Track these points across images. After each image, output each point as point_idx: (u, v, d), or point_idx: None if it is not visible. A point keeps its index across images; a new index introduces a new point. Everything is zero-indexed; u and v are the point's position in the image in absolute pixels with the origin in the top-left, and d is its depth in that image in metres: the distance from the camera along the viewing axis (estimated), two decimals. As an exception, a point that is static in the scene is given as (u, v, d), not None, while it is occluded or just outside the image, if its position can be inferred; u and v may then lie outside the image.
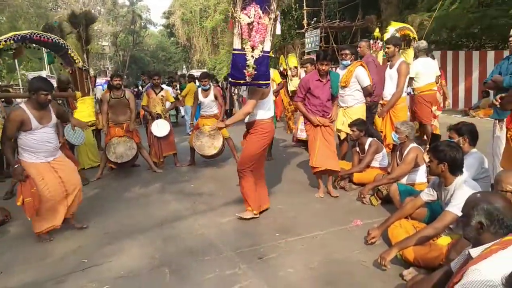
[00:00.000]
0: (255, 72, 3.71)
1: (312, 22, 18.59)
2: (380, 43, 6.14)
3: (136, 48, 45.72)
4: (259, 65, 3.73)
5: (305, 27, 17.73)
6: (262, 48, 3.74)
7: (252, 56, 3.69)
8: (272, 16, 3.74)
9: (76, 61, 4.96)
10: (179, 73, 36.53)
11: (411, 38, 9.06)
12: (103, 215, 4.69)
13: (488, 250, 1.81)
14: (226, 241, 3.74)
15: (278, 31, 4.10)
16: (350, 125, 5.14)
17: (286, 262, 3.24)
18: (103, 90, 10.16)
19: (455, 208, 2.82)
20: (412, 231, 3.19)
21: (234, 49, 3.72)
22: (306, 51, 17.79)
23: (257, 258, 3.35)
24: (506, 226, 1.81)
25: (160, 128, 6.90)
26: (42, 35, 4.85)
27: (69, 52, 4.87)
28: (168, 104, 7.43)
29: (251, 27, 3.66)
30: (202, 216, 4.49)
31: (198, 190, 5.54)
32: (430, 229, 2.94)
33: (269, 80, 4.00)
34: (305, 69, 6.55)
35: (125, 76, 42.14)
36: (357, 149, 5.22)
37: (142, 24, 46.63)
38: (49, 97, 3.87)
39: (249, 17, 3.65)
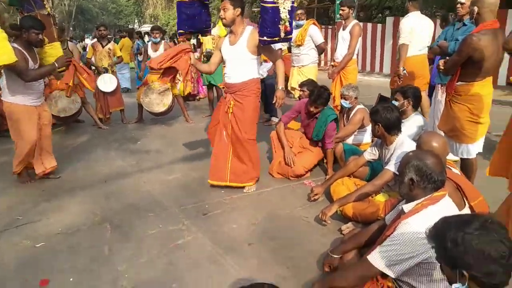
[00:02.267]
0: (289, 26, 3.39)
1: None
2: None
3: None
4: (290, 18, 3.39)
5: None
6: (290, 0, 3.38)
7: (284, 8, 3.31)
8: None
9: (46, 6, 4.55)
10: (130, 27, 34.73)
11: None
12: (41, 171, 4.46)
13: (419, 205, 1.89)
14: (171, 198, 3.69)
15: None
16: (301, 85, 5.14)
17: (230, 218, 3.26)
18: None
19: (394, 166, 2.92)
20: (354, 188, 3.30)
21: (267, 2, 3.27)
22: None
23: (202, 214, 3.34)
24: (434, 181, 1.87)
25: (107, 83, 6.57)
26: None
27: None
28: (115, 59, 7.09)
29: None
30: (147, 173, 4.40)
31: (145, 148, 5.40)
32: (370, 186, 3.04)
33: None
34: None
35: (71, 28, 39.62)
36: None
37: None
38: (40, 36, 3.85)
39: None
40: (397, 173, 2.88)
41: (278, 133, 4.30)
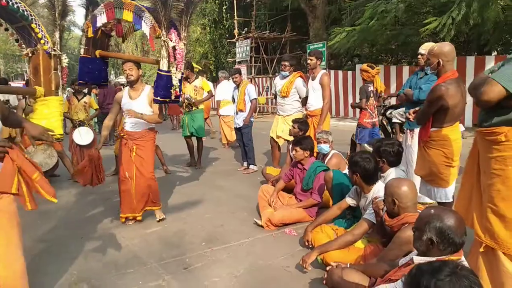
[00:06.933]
0: (178, 92, 4.08)
1: (243, 32, 18.88)
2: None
3: (59, 51, 43.06)
4: (179, 85, 4.11)
5: (236, 36, 17.95)
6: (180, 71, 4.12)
7: (176, 77, 3.99)
8: (185, 42, 4.08)
9: (42, 41, 3.33)
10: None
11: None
12: (15, 230, 4.33)
13: None
14: (150, 253, 3.64)
15: None
16: (294, 121, 5.23)
17: (211, 272, 3.23)
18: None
19: (371, 216, 3.00)
20: (333, 235, 3.35)
21: (162, 70, 3.91)
22: (237, 60, 18.03)
23: (182, 269, 3.30)
24: (455, 244, 1.85)
25: (83, 136, 6.56)
26: None
27: (33, 25, 3.22)
28: (92, 111, 7.17)
29: (174, 50, 3.91)
30: (125, 227, 4.33)
31: (123, 201, 5.33)
32: (349, 236, 3.09)
33: None
34: (234, 79, 6.64)
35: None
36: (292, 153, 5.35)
37: (66, 26, 44.15)
38: None
39: (172, 41, 3.86)
40: (374, 222, 2.98)
41: (276, 187, 4.50)
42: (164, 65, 3.89)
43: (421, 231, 1.90)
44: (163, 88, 3.99)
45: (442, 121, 3.37)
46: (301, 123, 5.16)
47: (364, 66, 6.08)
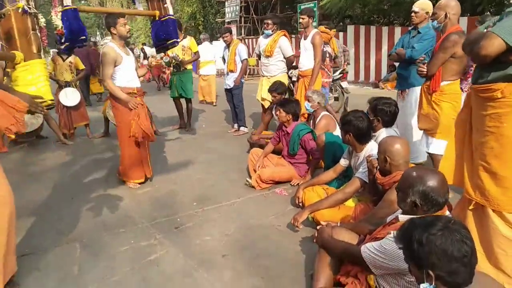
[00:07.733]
0: None
1: (233, -9, 18.28)
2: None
3: (40, 10, 41.48)
4: None
5: (225, -4, 17.40)
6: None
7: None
8: None
9: None
10: (92, 39, 34.09)
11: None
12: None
13: None
14: (142, 213, 3.64)
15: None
16: (271, 91, 5.20)
17: (202, 231, 3.25)
18: None
19: (364, 174, 3.01)
20: (324, 194, 3.36)
21: (172, 15, 4.36)
22: (226, 20, 17.58)
23: (174, 228, 3.31)
24: (439, 204, 1.86)
25: (69, 97, 6.41)
26: None
27: None
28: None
29: None
30: (117, 188, 4.30)
31: (113, 161, 5.28)
32: (340, 194, 3.11)
33: None
34: (225, 38, 6.45)
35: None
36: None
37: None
38: None
39: None
40: (366, 180, 2.99)
41: (264, 150, 4.46)
42: (171, 10, 4.36)
43: (404, 193, 1.91)
44: (174, 31, 4.39)
45: (452, 73, 3.49)
46: (277, 88, 5.14)
47: (322, 28, 6.47)
